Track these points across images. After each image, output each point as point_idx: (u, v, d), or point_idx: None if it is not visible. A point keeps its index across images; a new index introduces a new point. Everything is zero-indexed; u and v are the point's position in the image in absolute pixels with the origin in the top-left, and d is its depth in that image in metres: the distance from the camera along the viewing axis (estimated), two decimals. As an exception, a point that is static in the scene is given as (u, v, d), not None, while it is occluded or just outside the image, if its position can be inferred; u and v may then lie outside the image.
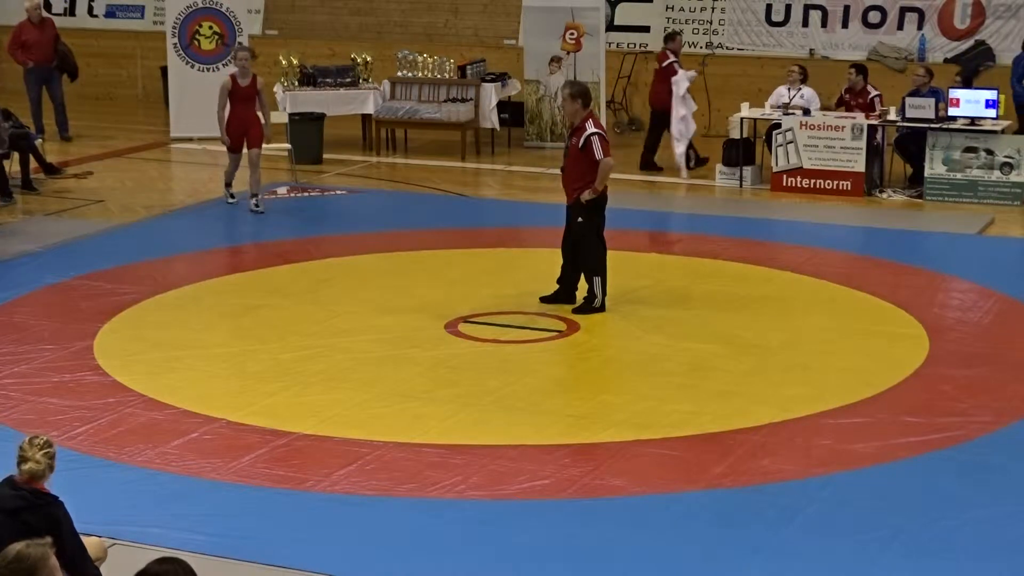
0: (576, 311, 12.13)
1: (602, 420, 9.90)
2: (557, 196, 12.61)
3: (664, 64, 18.01)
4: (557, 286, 12.39)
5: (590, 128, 11.97)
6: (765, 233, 15.16)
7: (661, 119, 17.91)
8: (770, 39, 20.34)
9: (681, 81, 17.52)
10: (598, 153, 11.93)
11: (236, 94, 15.64)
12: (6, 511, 6.31)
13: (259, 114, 15.83)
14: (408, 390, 10.52)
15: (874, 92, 17.36)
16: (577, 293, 12.34)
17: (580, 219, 12.12)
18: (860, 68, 17.68)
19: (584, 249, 12.17)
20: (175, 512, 8.43)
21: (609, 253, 12.27)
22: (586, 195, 11.98)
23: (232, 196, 16.02)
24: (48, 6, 22.32)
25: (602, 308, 12.15)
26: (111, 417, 9.86)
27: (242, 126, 15.68)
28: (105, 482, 8.85)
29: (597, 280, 12.17)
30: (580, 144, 11.97)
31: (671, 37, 18.48)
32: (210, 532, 8.15)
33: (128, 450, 9.29)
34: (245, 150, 15.83)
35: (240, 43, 17.22)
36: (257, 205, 15.62)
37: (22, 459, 6.41)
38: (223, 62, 20.06)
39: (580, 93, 12.12)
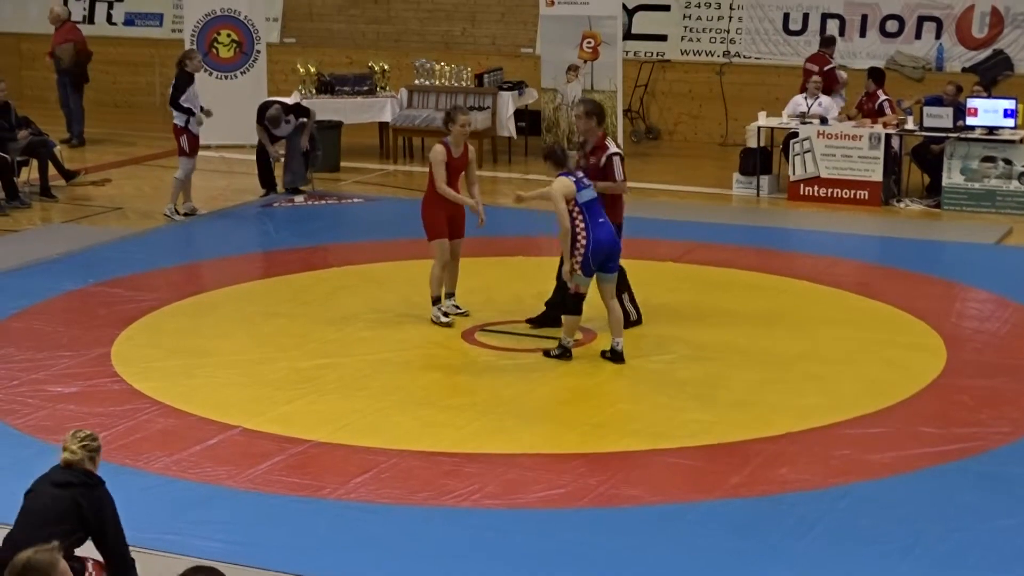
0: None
1: (619, 429, 9.89)
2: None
3: (826, 69, 18.10)
4: (545, 308, 12.06)
5: (611, 147, 11.78)
6: (782, 242, 15.14)
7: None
8: (787, 48, 20.32)
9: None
10: (618, 174, 11.68)
11: (447, 167, 12.12)
12: (57, 484, 6.77)
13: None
14: (424, 398, 10.52)
15: (883, 97, 17.35)
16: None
17: None
18: (872, 72, 17.70)
19: None
20: (191, 519, 8.44)
21: (626, 262, 12.20)
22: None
23: (446, 315, 12.16)
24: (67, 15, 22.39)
25: (639, 320, 12.08)
26: (128, 424, 9.87)
27: (449, 209, 12.13)
28: (122, 489, 8.74)
29: (625, 296, 11.95)
30: (601, 163, 11.68)
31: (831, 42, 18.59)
32: (226, 539, 8.15)
33: (145, 457, 9.30)
34: None
35: (458, 106, 12.86)
36: (458, 307, 12.36)
37: (63, 448, 6.88)
38: (241, 70, 20.13)
39: (595, 111, 11.83)
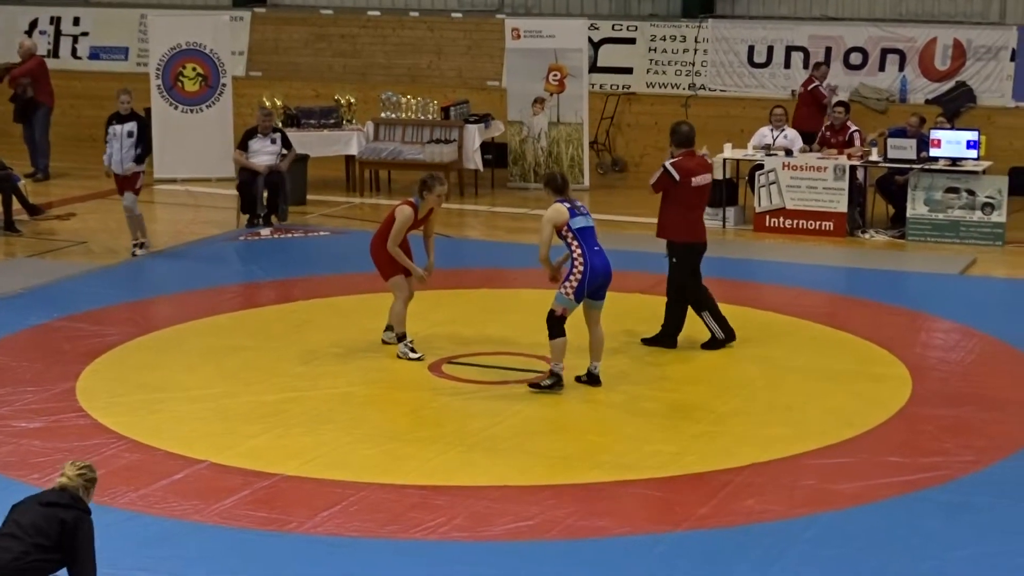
0: (646, 342, 12.40)
1: (586, 460, 9.89)
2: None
3: (810, 88, 18.58)
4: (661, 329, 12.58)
5: (665, 161, 12.43)
6: (748, 274, 15.20)
7: (808, 140, 17.86)
8: (752, 80, 20.44)
9: None
10: (652, 178, 12.55)
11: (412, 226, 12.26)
12: (42, 503, 7.05)
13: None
14: (391, 431, 10.51)
15: (853, 128, 17.48)
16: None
17: (673, 259, 12.42)
18: (846, 105, 17.86)
19: (687, 291, 12.40)
20: (157, 555, 8.39)
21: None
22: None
23: (414, 350, 12.14)
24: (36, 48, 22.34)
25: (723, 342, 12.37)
26: (93, 459, 9.69)
27: (403, 247, 12.27)
28: (87, 524, 8.80)
29: (706, 315, 12.33)
30: None
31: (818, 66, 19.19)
32: (194, 574, 8.11)
33: (110, 492, 9.23)
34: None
35: (437, 176, 12.41)
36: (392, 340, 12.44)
37: (60, 474, 7.16)
38: (207, 103, 20.13)
39: (671, 134, 12.56)
